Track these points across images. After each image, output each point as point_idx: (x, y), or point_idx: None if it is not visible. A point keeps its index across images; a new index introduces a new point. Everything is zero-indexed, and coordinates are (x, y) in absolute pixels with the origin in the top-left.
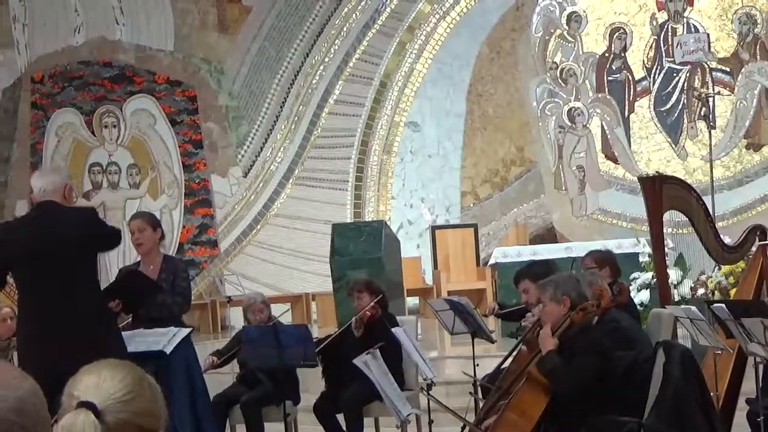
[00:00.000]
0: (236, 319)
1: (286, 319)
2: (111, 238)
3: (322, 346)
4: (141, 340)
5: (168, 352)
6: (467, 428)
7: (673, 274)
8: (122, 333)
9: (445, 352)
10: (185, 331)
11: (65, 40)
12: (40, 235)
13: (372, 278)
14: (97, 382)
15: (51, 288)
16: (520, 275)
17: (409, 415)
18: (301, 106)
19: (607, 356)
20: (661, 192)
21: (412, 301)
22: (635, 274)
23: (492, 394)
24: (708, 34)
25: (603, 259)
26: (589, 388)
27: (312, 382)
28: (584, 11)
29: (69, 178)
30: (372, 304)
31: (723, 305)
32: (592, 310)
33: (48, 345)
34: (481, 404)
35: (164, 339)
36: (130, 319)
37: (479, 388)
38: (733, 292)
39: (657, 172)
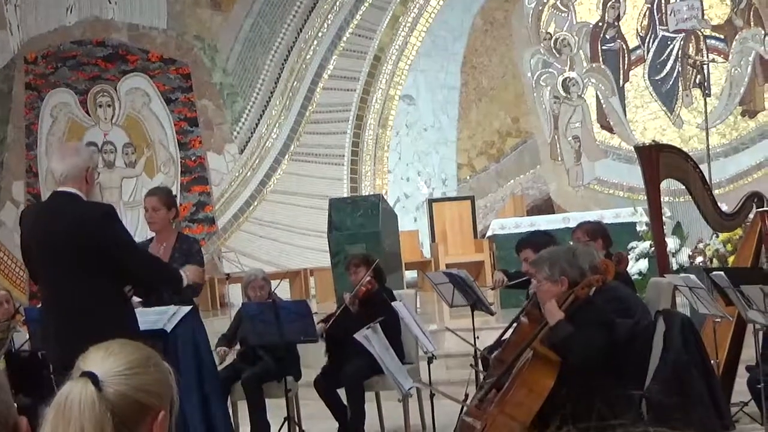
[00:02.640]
0: (235, 296)
1: (284, 293)
2: (118, 241)
3: (329, 325)
4: (142, 319)
5: (168, 330)
6: (465, 408)
7: (671, 243)
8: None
9: (444, 324)
10: (185, 309)
11: (58, 19)
12: (49, 226)
13: (369, 252)
14: (104, 356)
15: (59, 278)
16: (521, 244)
17: (410, 389)
18: (295, 82)
19: (612, 327)
20: (657, 161)
21: (410, 275)
22: (633, 243)
23: (491, 367)
24: (701, 2)
25: (594, 230)
26: (598, 358)
27: (313, 358)
28: None
29: (91, 158)
30: (368, 278)
31: (722, 273)
32: (597, 286)
33: (59, 334)
34: (481, 377)
35: (165, 317)
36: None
37: (480, 360)
38: (731, 259)
39: (653, 141)
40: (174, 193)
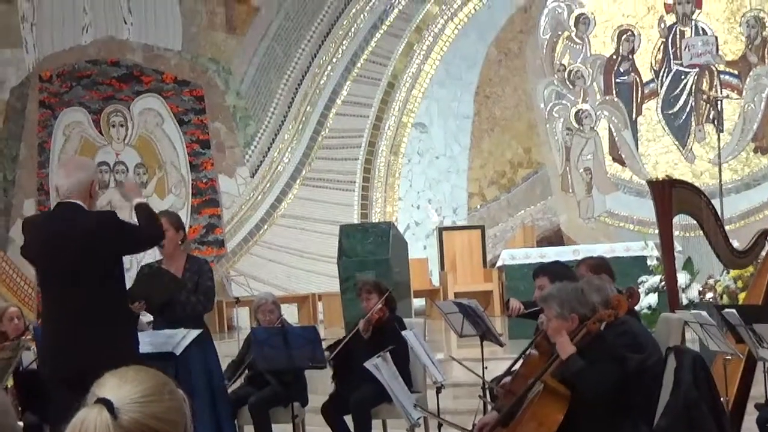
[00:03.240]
0: (243, 319)
1: (292, 317)
2: (131, 236)
3: (336, 351)
4: (151, 341)
5: (177, 354)
6: None
7: (682, 278)
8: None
9: (452, 353)
10: (195, 333)
11: (73, 39)
12: (56, 236)
13: (381, 279)
14: (119, 383)
15: (66, 288)
16: (539, 271)
17: (419, 419)
18: (308, 107)
19: (624, 361)
20: (670, 196)
21: (418, 302)
22: (643, 277)
23: (499, 397)
24: (716, 37)
25: (598, 266)
26: (609, 393)
27: (320, 384)
28: (592, 13)
29: (96, 172)
30: (379, 306)
31: (734, 311)
32: (609, 321)
33: (61, 345)
34: (489, 407)
35: (174, 340)
36: (151, 318)
37: (488, 391)
38: (741, 296)
39: (667, 175)
40: (183, 215)
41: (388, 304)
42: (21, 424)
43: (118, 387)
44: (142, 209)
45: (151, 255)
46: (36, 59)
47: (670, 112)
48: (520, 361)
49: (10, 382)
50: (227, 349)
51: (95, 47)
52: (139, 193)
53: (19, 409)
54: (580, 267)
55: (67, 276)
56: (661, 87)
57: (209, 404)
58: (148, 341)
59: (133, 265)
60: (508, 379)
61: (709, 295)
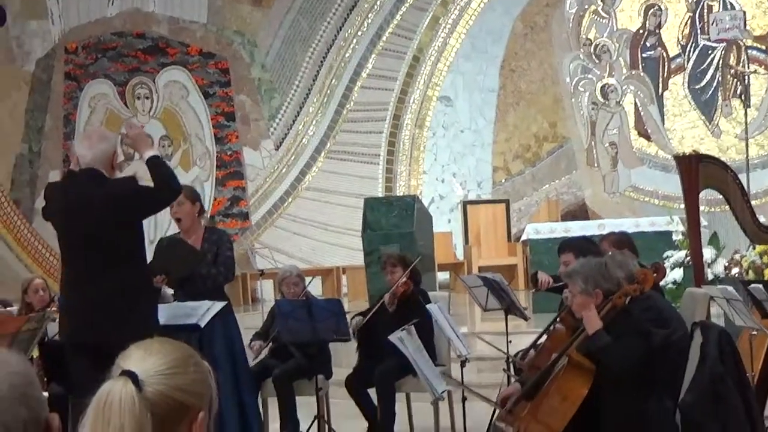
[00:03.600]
0: (267, 291)
1: (316, 290)
2: (148, 197)
3: (363, 322)
4: (176, 313)
5: (202, 326)
6: (497, 412)
7: (707, 253)
8: (159, 306)
9: (475, 327)
10: (219, 305)
11: (99, 11)
12: (77, 200)
13: (406, 253)
14: (144, 355)
15: (87, 257)
16: (564, 247)
17: (443, 392)
18: (333, 80)
19: (649, 336)
20: (697, 171)
21: (442, 276)
22: (668, 252)
23: (523, 371)
24: (744, 12)
25: (620, 241)
26: (635, 368)
27: (344, 356)
28: None
29: (117, 143)
30: (404, 279)
31: (760, 286)
32: (635, 295)
33: (80, 316)
34: (513, 381)
35: (198, 312)
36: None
37: (512, 365)
38: (767, 272)
39: (694, 150)
40: (208, 187)
41: (413, 278)
42: (46, 394)
43: (143, 359)
44: (155, 164)
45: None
46: (62, 31)
47: (697, 87)
48: (545, 336)
49: (35, 353)
50: (251, 322)
51: (121, 19)
52: (148, 144)
53: (44, 379)
54: (603, 243)
55: (86, 240)
56: (688, 62)
57: (231, 376)
58: (172, 313)
59: (157, 238)
60: (532, 352)
61: (734, 271)
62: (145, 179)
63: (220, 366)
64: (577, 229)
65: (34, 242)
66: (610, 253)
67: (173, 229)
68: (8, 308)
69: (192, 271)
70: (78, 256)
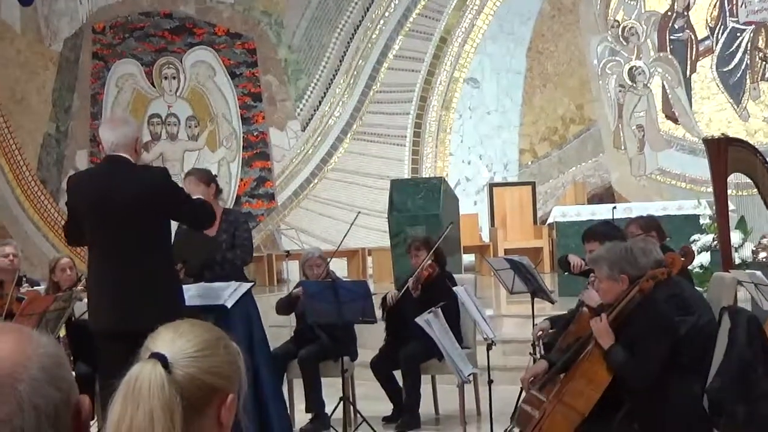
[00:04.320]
0: (293, 272)
1: (341, 271)
2: (181, 204)
3: (388, 308)
4: (203, 293)
5: (229, 306)
6: (523, 395)
7: (735, 237)
8: (185, 286)
9: (501, 310)
10: (246, 286)
11: None
12: (106, 190)
13: (430, 235)
14: (173, 337)
15: (113, 243)
16: (588, 235)
17: (469, 374)
18: (360, 61)
19: (671, 328)
20: (725, 154)
21: (468, 258)
22: (696, 236)
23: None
24: None
25: (648, 224)
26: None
27: (370, 338)
28: None
29: (139, 129)
30: (429, 262)
31: None
32: (662, 279)
33: (107, 300)
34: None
35: (226, 293)
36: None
37: (538, 348)
38: None
39: (722, 134)
40: (234, 168)
41: (438, 260)
42: (73, 374)
43: (172, 341)
44: (202, 202)
45: None
46: (89, 11)
47: (725, 69)
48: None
49: (62, 332)
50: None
51: None
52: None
53: (71, 359)
54: (631, 226)
55: (115, 231)
56: (716, 44)
57: (248, 354)
58: (199, 293)
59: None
60: (545, 323)
61: (762, 255)
62: (172, 160)
63: (241, 349)
64: (603, 212)
65: (61, 221)
66: (633, 239)
67: None
68: (36, 287)
69: (207, 257)
70: (105, 241)
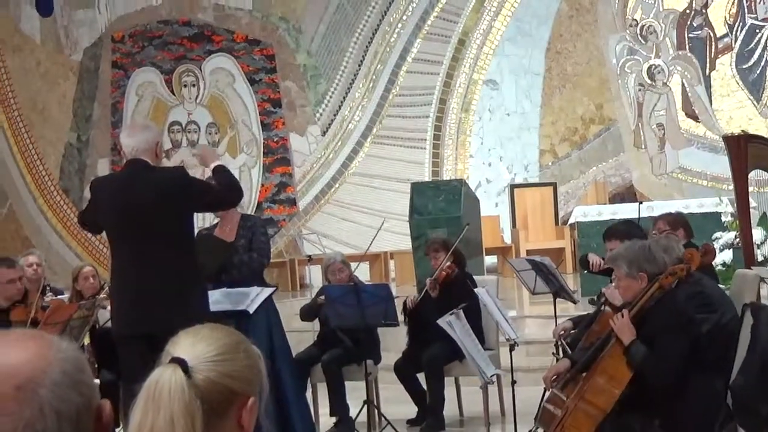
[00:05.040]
0: (315, 277)
1: (364, 275)
2: (203, 196)
3: (408, 312)
4: (224, 299)
5: (251, 312)
6: (547, 394)
7: (757, 234)
8: (209, 291)
9: (524, 311)
10: (268, 291)
11: None
12: (128, 195)
13: (448, 237)
14: (193, 342)
15: (137, 246)
16: (609, 234)
17: (492, 375)
18: (379, 65)
19: (691, 324)
20: (746, 151)
21: (490, 260)
22: (717, 234)
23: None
24: None
25: (676, 221)
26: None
27: (393, 341)
28: None
29: (159, 134)
30: (447, 263)
31: None
32: (682, 275)
33: (130, 304)
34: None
35: (248, 298)
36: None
37: (561, 348)
38: None
39: (742, 130)
40: (255, 174)
41: (458, 261)
42: (97, 381)
43: (192, 346)
44: (221, 171)
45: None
46: (108, 20)
47: (745, 66)
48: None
49: (86, 340)
50: (299, 307)
51: (166, 7)
52: (215, 157)
53: (95, 366)
54: (658, 222)
55: (138, 234)
56: (735, 41)
57: (268, 358)
58: (222, 298)
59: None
60: (568, 323)
61: None
62: (190, 165)
63: (262, 354)
64: (625, 211)
65: (84, 230)
66: (662, 233)
67: (209, 217)
68: (59, 296)
69: (223, 261)
70: (128, 245)
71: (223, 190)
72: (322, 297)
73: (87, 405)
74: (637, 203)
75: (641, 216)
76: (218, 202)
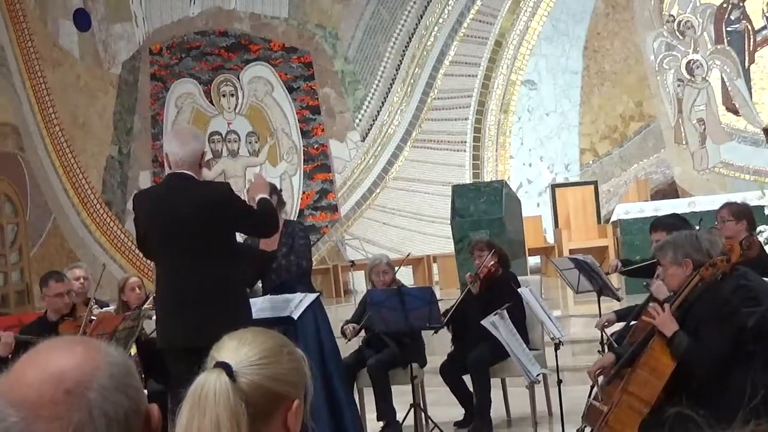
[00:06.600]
0: (359, 282)
1: (407, 279)
2: (240, 219)
3: (449, 315)
4: (269, 306)
5: (296, 318)
6: (594, 392)
7: None
8: (252, 299)
9: (569, 310)
10: (312, 297)
11: (181, 11)
12: (171, 208)
13: (493, 238)
14: (237, 346)
15: (180, 259)
16: (656, 225)
17: (538, 375)
18: (416, 68)
19: (735, 315)
20: None
21: (533, 260)
22: (761, 227)
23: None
24: None
25: (740, 211)
26: (726, 356)
27: (438, 344)
28: None
29: (205, 143)
30: (490, 260)
31: None
32: (722, 266)
33: (176, 316)
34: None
35: (291, 305)
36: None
37: (607, 347)
38: None
39: None
40: (296, 181)
41: (501, 262)
42: (145, 391)
43: (236, 350)
44: (265, 201)
45: None
46: (146, 33)
47: None
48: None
49: (133, 351)
50: (343, 313)
51: (203, 18)
52: (264, 190)
53: (143, 376)
54: (722, 211)
55: (180, 246)
56: None
57: (319, 367)
58: (266, 306)
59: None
60: (612, 315)
61: None
62: (233, 176)
63: (310, 356)
64: (667, 208)
65: (127, 242)
66: (725, 223)
67: None
68: (104, 309)
69: (263, 268)
70: (172, 258)
71: (261, 219)
72: (354, 325)
73: (135, 408)
74: (680, 199)
75: (683, 212)
76: (254, 228)
